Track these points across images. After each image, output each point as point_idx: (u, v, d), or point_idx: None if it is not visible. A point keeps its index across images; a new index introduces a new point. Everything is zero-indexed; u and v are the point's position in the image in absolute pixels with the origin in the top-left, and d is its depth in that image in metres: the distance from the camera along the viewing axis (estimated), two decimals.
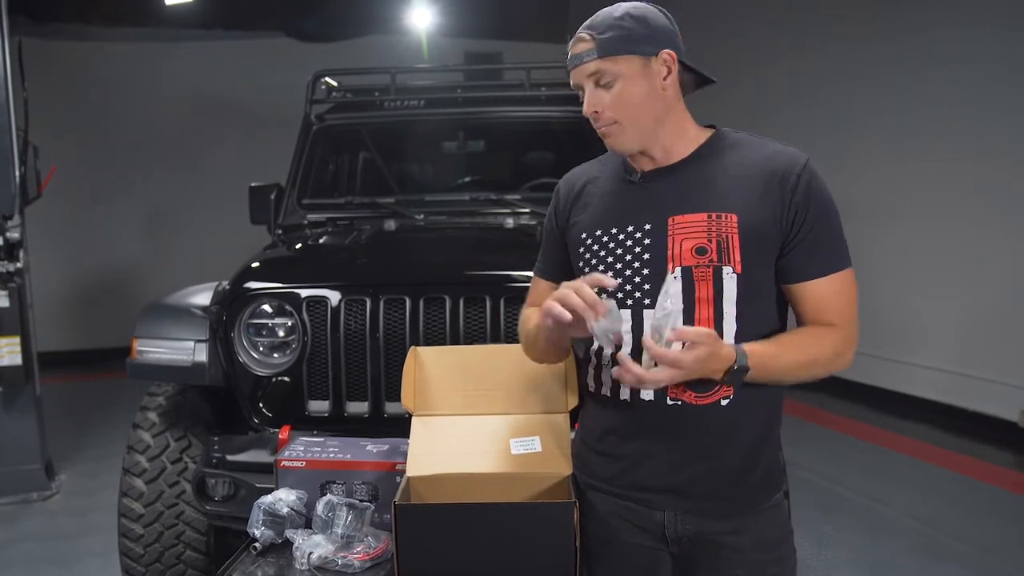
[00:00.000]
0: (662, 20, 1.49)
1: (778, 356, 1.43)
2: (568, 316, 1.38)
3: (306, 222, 3.47)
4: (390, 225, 3.24)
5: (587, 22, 1.49)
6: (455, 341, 2.55)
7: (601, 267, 1.53)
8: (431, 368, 2.00)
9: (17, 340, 4.28)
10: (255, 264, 2.91)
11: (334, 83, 4.10)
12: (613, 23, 1.45)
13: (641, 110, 1.47)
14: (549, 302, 1.41)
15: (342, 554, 1.74)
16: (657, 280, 1.46)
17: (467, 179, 3.87)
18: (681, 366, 1.33)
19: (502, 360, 1.98)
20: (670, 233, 1.48)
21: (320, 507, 1.85)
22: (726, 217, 1.45)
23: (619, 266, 1.51)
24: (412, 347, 2.04)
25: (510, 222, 3.24)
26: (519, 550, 1.55)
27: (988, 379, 5.20)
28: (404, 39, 8.22)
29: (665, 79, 1.47)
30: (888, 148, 5.90)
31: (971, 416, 5.31)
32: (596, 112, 1.48)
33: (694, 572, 1.57)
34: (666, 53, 1.47)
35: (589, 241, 1.57)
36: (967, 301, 5.36)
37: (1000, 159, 5.08)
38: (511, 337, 2.54)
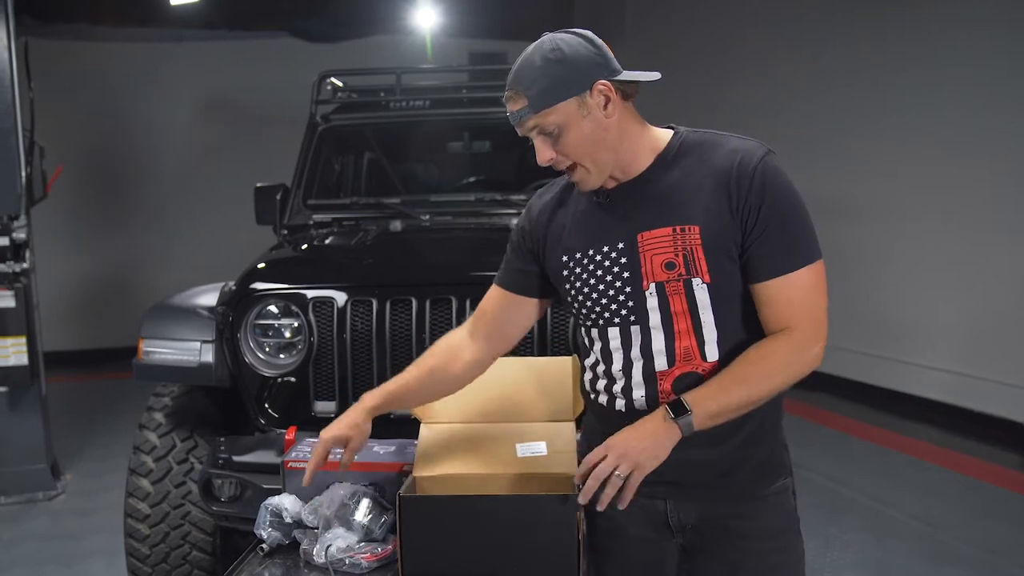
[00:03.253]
0: (583, 51, 1.43)
1: (725, 389, 1.42)
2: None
3: (312, 222, 3.47)
4: (396, 226, 3.24)
5: (512, 75, 1.45)
6: None
7: (586, 288, 1.55)
8: None
9: (23, 340, 4.29)
10: (261, 265, 2.91)
11: (339, 83, 4.10)
12: (536, 74, 1.42)
13: (594, 147, 1.45)
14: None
15: (351, 554, 1.73)
16: (637, 297, 1.49)
17: (472, 179, 3.88)
18: (607, 464, 1.40)
19: (508, 368, 1.99)
20: (641, 250, 1.49)
21: (346, 495, 1.84)
22: (689, 229, 1.45)
23: (601, 287, 1.53)
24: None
25: (515, 222, 3.23)
26: (522, 542, 1.55)
27: (994, 380, 5.18)
28: (408, 39, 8.22)
29: (606, 107, 1.44)
30: (893, 150, 5.88)
31: (977, 417, 5.29)
32: (551, 160, 1.47)
33: (700, 561, 1.59)
34: (600, 84, 1.42)
35: (571, 264, 1.58)
36: (973, 302, 5.35)
37: (1006, 161, 5.06)
38: None
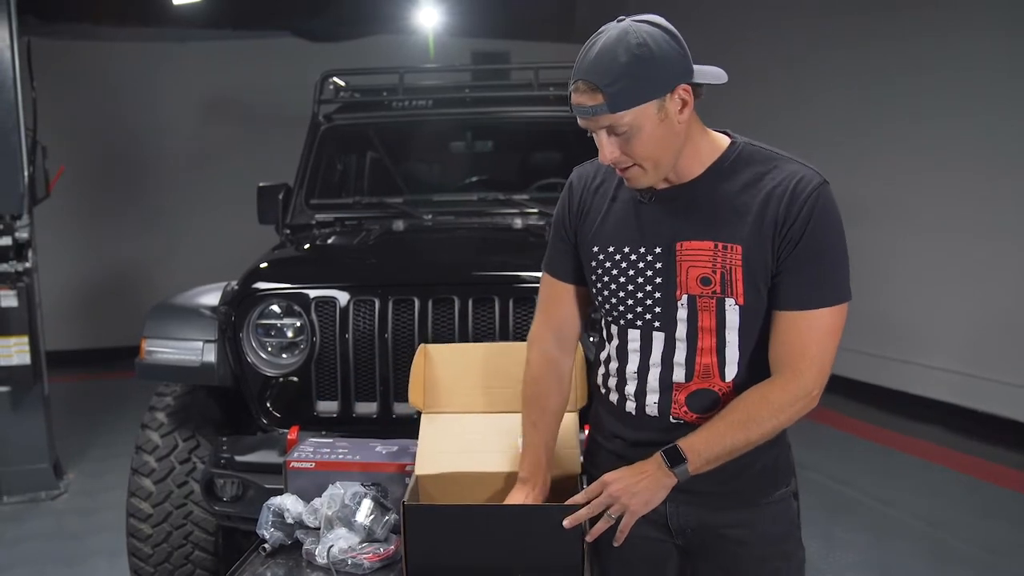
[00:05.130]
0: (668, 48, 1.34)
1: (720, 435, 1.42)
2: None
3: (314, 222, 3.47)
4: (398, 225, 3.24)
5: (589, 66, 1.34)
6: (463, 341, 2.55)
7: (613, 285, 1.54)
8: (440, 366, 2.00)
9: (25, 339, 4.29)
10: (264, 264, 2.91)
11: (342, 83, 4.10)
12: (620, 71, 1.31)
13: (662, 151, 1.40)
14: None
15: (353, 555, 1.73)
16: (667, 304, 1.48)
17: (475, 179, 3.87)
18: (599, 503, 1.45)
19: (511, 358, 1.97)
20: (678, 259, 1.47)
21: (348, 495, 1.83)
22: (731, 248, 1.43)
23: (631, 287, 1.52)
24: (421, 345, 2.04)
25: (518, 222, 3.23)
26: (528, 552, 1.55)
27: (999, 380, 5.17)
28: (411, 39, 8.20)
29: (681, 112, 1.38)
30: (898, 151, 5.86)
31: (981, 417, 5.28)
32: (615, 159, 1.41)
33: (700, 564, 1.60)
34: (680, 89, 1.36)
35: (601, 256, 1.55)
36: (978, 302, 5.33)
37: (1010, 162, 5.05)
38: (520, 338, 2.53)
